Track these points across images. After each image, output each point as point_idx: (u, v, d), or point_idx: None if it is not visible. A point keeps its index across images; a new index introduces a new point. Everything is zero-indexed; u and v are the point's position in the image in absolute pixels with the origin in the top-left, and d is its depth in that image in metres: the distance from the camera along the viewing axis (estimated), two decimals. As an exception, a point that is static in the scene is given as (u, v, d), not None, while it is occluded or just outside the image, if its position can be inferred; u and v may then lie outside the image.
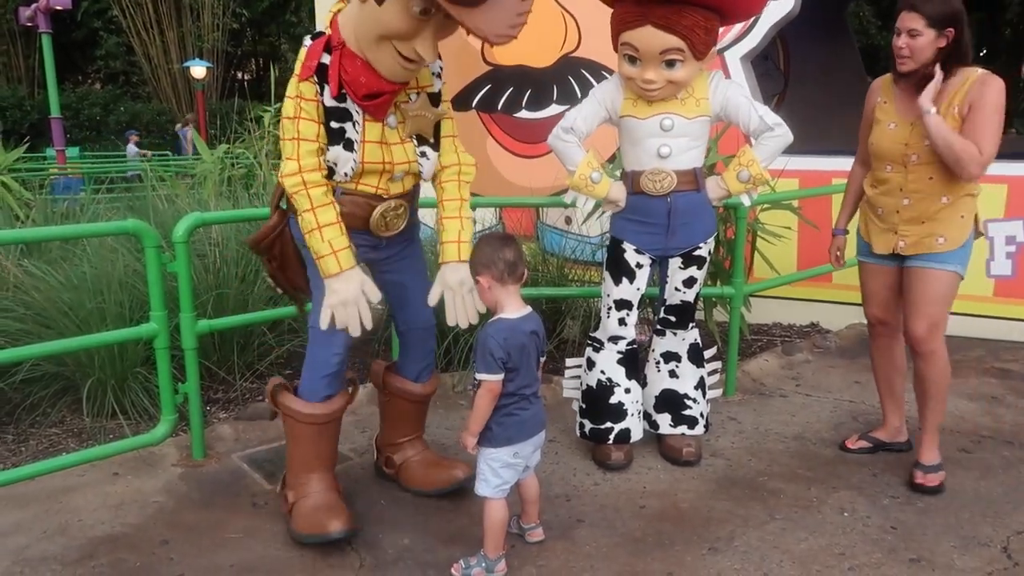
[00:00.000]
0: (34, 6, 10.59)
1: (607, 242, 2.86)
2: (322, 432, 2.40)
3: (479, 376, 2.09)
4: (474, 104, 5.43)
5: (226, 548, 2.37)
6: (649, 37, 2.47)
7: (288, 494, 2.44)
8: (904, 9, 2.46)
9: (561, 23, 5.12)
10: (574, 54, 5.11)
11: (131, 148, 13.60)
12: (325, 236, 2.18)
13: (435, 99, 2.35)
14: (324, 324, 2.24)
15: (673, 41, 2.45)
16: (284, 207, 2.38)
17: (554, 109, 5.22)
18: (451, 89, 5.82)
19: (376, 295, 2.25)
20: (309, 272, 2.38)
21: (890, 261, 2.73)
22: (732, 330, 3.58)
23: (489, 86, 5.38)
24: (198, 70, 16.06)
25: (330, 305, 2.22)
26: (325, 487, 2.40)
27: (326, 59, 2.15)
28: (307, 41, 2.21)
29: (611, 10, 2.61)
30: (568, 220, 5.18)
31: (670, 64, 2.49)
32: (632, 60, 2.55)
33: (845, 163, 4.43)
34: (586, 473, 2.84)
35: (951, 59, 2.48)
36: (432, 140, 2.36)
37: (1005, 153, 5.00)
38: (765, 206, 4.15)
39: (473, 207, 2.49)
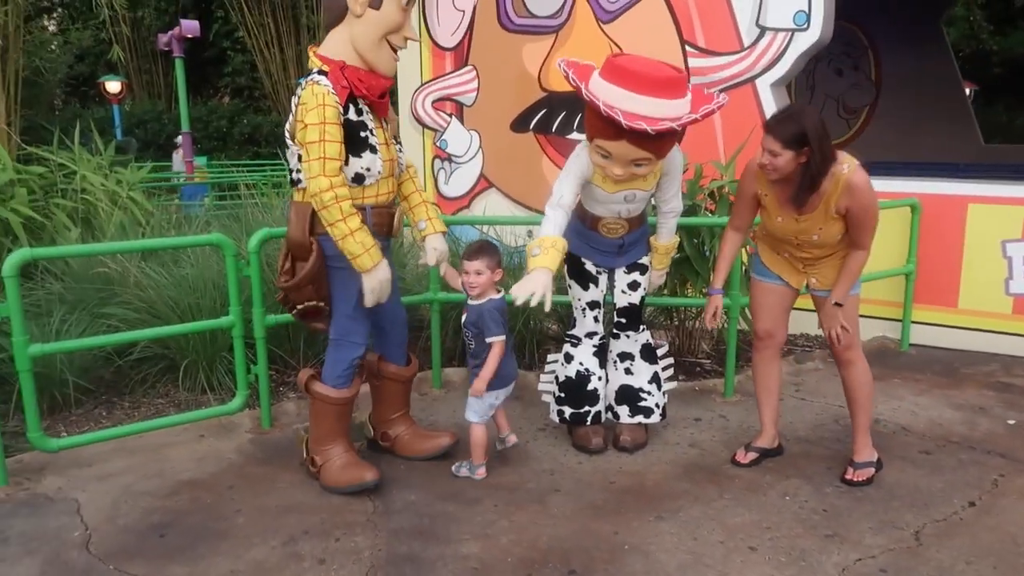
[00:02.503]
0: (170, 33, 11.93)
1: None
2: (344, 410, 3.04)
3: (495, 338, 2.92)
4: (532, 126, 5.99)
5: (275, 494, 3.03)
6: (624, 148, 2.77)
7: (315, 459, 3.06)
8: (764, 132, 2.75)
9: (608, 53, 5.58)
10: (621, 81, 5.57)
11: None
12: (357, 239, 2.71)
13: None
14: (370, 303, 2.84)
15: (644, 154, 2.79)
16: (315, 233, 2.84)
17: (602, 131, 5.70)
18: (511, 113, 6.40)
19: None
20: (333, 287, 2.91)
21: (787, 283, 3.10)
22: (730, 337, 3.97)
23: (545, 110, 5.92)
24: (312, 84, 17.28)
25: (371, 289, 2.81)
26: (346, 449, 3.04)
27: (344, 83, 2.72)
28: (319, 78, 2.70)
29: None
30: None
31: (638, 164, 2.86)
32: (605, 155, 2.86)
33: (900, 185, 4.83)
34: (574, 454, 3.34)
35: (814, 169, 2.70)
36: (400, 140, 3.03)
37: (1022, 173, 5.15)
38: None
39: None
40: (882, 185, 4.96)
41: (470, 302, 3.07)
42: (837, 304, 2.92)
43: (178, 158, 13.54)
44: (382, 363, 3.26)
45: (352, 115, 2.77)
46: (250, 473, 3.22)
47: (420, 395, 4.04)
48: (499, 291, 3.05)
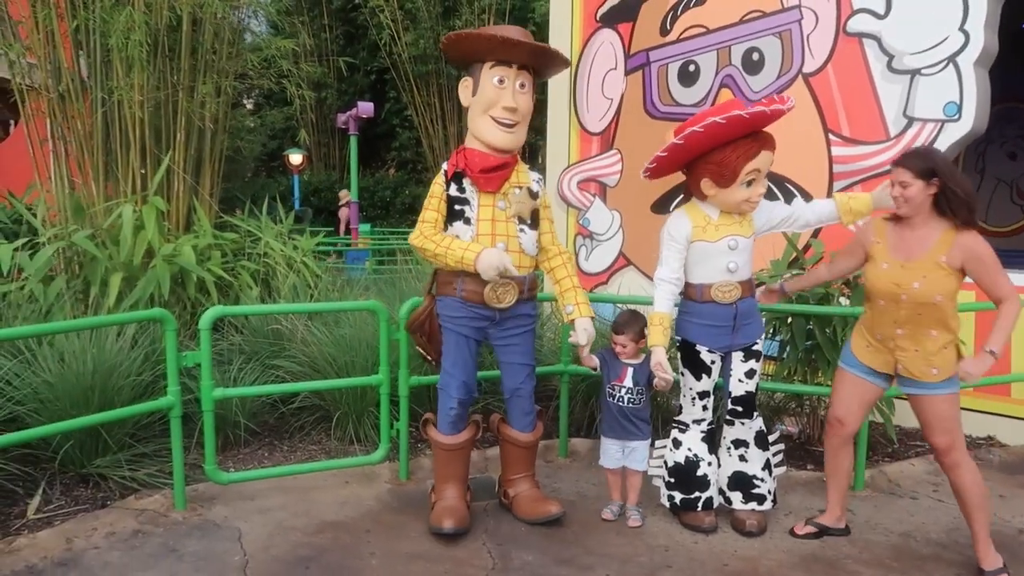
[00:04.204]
0: (347, 114, 13.24)
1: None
2: (453, 455, 3.37)
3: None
4: (671, 208, 6.17)
5: (406, 541, 3.31)
6: (767, 159, 3.17)
7: (432, 495, 3.44)
8: (894, 164, 2.89)
9: (751, 140, 5.72)
10: (762, 167, 5.67)
11: None
12: (453, 251, 3.13)
13: (533, 195, 3.32)
14: (489, 277, 3.10)
15: (772, 154, 3.18)
16: (433, 293, 3.37)
17: (742, 215, 5.79)
18: (652, 195, 6.64)
19: (508, 257, 3.13)
20: (443, 341, 3.34)
21: (874, 377, 3.09)
22: (861, 430, 3.89)
23: (683, 194, 6.09)
24: (470, 159, 18.35)
25: (484, 271, 3.07)
26: (454, 494, 3.35)
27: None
28: (445, 166, 3.30)
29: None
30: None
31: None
32: (749, 183, 3.16)
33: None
34: (690, 533, 3.40)
35: (944, 203, 2.83)
36: (529, 221, 3.29)
37: None
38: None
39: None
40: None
41: (629, 363, 3.44)
42: (991, 352, 2.80)
43: None
44: (502, 426, 3.55)
45: (453, 191, 3.23)
46: (385, 520, 3.52)
47: (546, 463, 4.24)
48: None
